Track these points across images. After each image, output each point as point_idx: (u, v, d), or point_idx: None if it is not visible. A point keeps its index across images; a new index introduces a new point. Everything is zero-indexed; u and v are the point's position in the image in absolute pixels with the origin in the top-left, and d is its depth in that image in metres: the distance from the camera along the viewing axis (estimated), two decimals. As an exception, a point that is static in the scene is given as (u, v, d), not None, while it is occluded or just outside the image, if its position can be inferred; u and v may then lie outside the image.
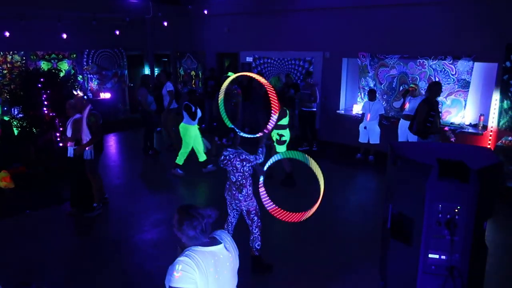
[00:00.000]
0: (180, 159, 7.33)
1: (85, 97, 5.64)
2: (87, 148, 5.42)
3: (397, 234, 2.83)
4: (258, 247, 4.29)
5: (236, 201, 4.20)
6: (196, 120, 7.33)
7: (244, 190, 4.15)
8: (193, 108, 7.21)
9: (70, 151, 5.55)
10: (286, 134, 6.66)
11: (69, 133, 5.52)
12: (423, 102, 5.96)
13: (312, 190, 4.89)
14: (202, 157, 7.47)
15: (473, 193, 2.41)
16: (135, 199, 6.41)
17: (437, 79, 7.71)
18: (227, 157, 4.13)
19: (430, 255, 2.56)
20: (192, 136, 7.30)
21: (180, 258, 1.95)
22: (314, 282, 4.22)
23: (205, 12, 11.00)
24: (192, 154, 7.44)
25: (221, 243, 2.11)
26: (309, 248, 4.87)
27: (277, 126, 6.49)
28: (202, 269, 1.94)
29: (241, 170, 4.10)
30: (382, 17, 8.32)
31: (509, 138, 6.70)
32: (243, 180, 4.13)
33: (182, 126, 7.33)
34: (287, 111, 6.65)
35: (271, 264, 4.40)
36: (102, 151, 5.89)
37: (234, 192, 4.18)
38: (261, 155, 4.23)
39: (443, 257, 2.53)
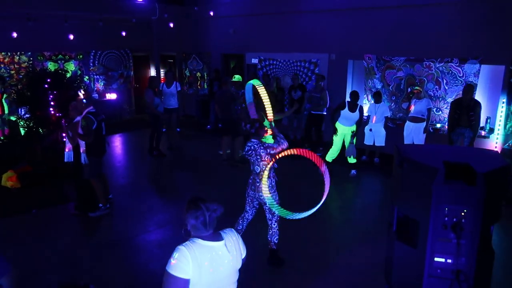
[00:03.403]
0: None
1: (85, 100, 5.64)
2: (81, 152, 5.45)
3: (403, 236, 2.82)
4: (276, 241, 4.42)
5: (261, 193, 4.20)
6: None
7: (268, 181, 4.20)
8: None
9: (68, 156, 5.57)
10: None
11: (67, 138, 5.55)
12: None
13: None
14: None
15: (480, 197, 2.39)
16: (140, 199, 6.43)
17: (444, 81, 7.67)
18: (252, 147, 4.17)
19: (436, 259, 2.54)
20: None
21: (179, 247, 2.05)
22: (318, 282, 4.20)
23: (211, 13, 11.04)
24: (198, 154, 7.44)
25: (222, 240, 2.16)
26: (314, 249, 4.85)
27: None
28: (196, 262, 2.01)
29: (265, 159, 4.16)
30: (387, 19, 8.30)
31: (516, 141, 6.64)
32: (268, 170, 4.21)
33: None
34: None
35: (284, 259, 4.49)
36: (104, 154, 5.82)
37: (258, 184, 4.21)
38: (282, 141, 4.28)
39: (449, 260, 2.51)
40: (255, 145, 4.18)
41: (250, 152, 4.19)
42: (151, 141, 8.70)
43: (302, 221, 5.40)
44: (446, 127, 7.36)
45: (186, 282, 1.99)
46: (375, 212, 5.95)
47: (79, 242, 5.16)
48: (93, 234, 5.40)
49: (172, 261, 2.01)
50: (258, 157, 4.20)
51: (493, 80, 7.42)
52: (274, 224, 4.38)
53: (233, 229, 2.29)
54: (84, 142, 5.44)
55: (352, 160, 7.42)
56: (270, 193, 4.19)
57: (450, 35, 7.52)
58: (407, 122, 7.56)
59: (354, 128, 7.23)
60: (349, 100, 7.28)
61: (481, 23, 7.14)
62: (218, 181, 7.27)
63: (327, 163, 7.66)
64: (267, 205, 4.22)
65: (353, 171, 7.53)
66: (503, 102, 7.07)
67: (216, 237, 2.16)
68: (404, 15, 8.06)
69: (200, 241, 2.09)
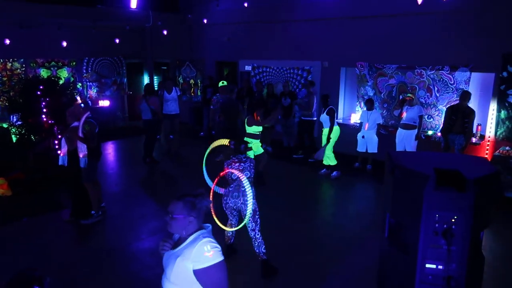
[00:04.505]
0: None
1: (82, 104, 5.65)
2: (81, 156, 5.42)
3: (395, 243, 2.84)
4: (264, 251, 4.36)
5: (245, 198, 4.24)
6: None
7: (253, 187, 4.27)
8: None
9: (62, 160, 5.55)
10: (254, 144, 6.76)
11: (63, 142, 5.52)
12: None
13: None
14: None
15: (469, 203, 2.42)
16: (133, 207, 6.39)
17: (436, 89, 7.76)
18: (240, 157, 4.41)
19: (427, 265, 2.56)
20: None
21: (202, 241, 2.08)
22: (312, 292, 4.20)
23: (205, 21, 11.09)
24: (192, 161, 7.42)
25: (209, 226, 2.29)
26: (308, 256, 4.85)
27: (247, 134, 6.80)
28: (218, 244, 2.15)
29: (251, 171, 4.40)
30: (379, 27, 8.40)
31: (507, 148, 6.72)
32: (252, 178, 4.36)
33: None
34: (254, 121, 6.80)
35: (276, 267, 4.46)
36: (100, 159, 5.88)
37: (243, 189, 4.24)
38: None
39: (440, 266, 2.53)
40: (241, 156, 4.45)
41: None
42: (145, 148, 8.68)
43: (295, 228, 5.42)
44: (439, 133, 7.45)
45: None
46: (368, 219, 5.97)
47: (71, 250, 5.11)
48: (85, 242, 5.36)
49: (208, 254, 2.05)
50: (251, 164, 4.39)
51: (484, 87, 7.53)
52: (258, 234, 4.32)
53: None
54: (86, 146, 5.41)
55: (333, 161, 7.63)
56: (253, 199, 4.26)
57: (441, 43, 7.63)
58: (399, 129, 7.63)
59: (327, 130, 7.59)
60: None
61: (471, 31, 7.25)
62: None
63: (324, 166, 7.77)
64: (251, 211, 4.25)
65: (334, 173, 7.70)
66: (493, 109, 7.16)
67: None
68: (395, 24, 8.17)
69: (202, 230, 2.20)
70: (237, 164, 4.35)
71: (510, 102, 6.94)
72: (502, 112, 7.03)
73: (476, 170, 2.58)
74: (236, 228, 4.28)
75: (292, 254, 4.91)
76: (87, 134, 5.39)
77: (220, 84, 8.76)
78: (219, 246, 2.13)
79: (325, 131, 7.66)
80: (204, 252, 2.05)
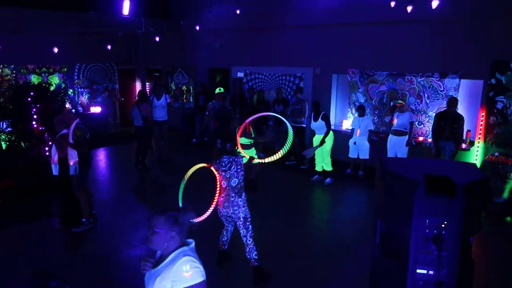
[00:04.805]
0: None
1: (73, 110, 5.61)
2: (72, 164, 5.38)
3: (386, 249, 2.85)
4: (256, 257, 4.34)
5: (235, 208, 4.23)
6: None
7: (243, 195, 4.29)
8: None
9: (55, 169, 5.50)
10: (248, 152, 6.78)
11: (53, 150, 5.47)
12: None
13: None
14: None
15: (459, 208, 2.45)
16: (124, 214, 6.34)
17: (426, 95, 7.86)
18: (225, 162, 4.32)
19: (418, 270, 2.57)
20: None
21: (181, 260, 2.01)
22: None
23: (197, 27, 11.12)
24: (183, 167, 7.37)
25: (192, 242, 2.21)
26: (301, 261, 4.85)
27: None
28: (200, 262, 2.08)
29: (239, 175, 4.31)
30: (371, 34, 8.50)
31: (496, 153, 6.81)
32: (243, 183, 4.32)
33: None
34: (251, 131, 6.80)
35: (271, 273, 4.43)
36: (91, 166, 5.83)
37: (233, 199, 4.23)
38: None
39: (430, 272, 2.54)
40: (231, 159, 4.35)
41: (230, 165, 4.31)
42: (137, 154, 8.65)
43: (289, 233, 5.43)
44: (430, 140, 7.53)
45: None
46: (360, 224, 5.99)
47: (62, 257, 5.05)
48: (77, 249, 5.31)
49: (187, 274, 1.99)
50: (239, 167, 4.29)
51: (473, 94, 7.64)
52: (249, 240, 4.30)
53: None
54: (77, 152, 5.37)
55: (329, 167, 7.73)
56: (245, 207, 4.28)
57: (431, 51, 7.75)
58: (390, 135, 7.69)
59: (321, 137, 7.61)
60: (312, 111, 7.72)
61: (460, 39, 7.38)
62: (205, 194, 7.22)
63: (317, 172, 7.79)
64: (241, 218, 4.23)
65: (328, 180, 7.75)
66: (483, 115, 7.27)
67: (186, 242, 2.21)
68: (386, 31, 8.28)
69: (185, 247, 2.12)
70: (223, 173, 4.31)
71: (498, 108, 7.06)
72: (491, 118, 7.14)
73: (465, 176, 2.61)
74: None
75: (286, 258, 4.92)
76: (78, 140, 5.34)
77: (217, 91, 8.74)
78: (200, 266, 2.05)
79: (317, 138, 7.69)
80: (182, 272, 1.98)
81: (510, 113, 6.95)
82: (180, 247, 2.11)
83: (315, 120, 7.64)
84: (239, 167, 4.30)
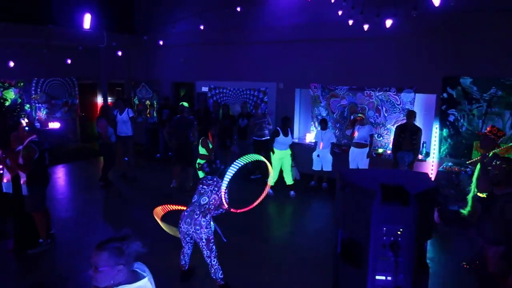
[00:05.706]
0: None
1: (27, 128, 5.39)
2: (21, 183, 5.17)
3: (347, 258, 2.94)
4: (222, 276, 4.30)
5: (197, 227, 4.15)
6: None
7: (208, 216, 4.22)
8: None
9: (6, 187, 5.27)
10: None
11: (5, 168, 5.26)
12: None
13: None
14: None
15: (413, 215, 2.58)
16: (84, 233, 6.12)
17: (384, 109, 8.19)
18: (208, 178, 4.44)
19: (377, 277, 2.67)
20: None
21: None
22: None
23: (161, 42, 11.09)
24: (147, 184, 7.24)
25: (145, 276, 2.04)
26: (264, 275, 4.86)
27: (200, 156, 6.94)
28: None
29: (211, 197, 4.34)
30: (331, 50, 8.81)
31: (449, 164, 7.18)
32: (211, 206, 4.28)
33: None
34: (207, 142, 6.90)
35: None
36: (47, 185, 5.58)
37: (196, 217, 4.16)
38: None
39: (389, 278, 2.65)
40: (209, 181, 4.46)
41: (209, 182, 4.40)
42: (103, 171, 8.41)
43: (252, 247, 5.44)
44: (389, 151, 7.83)
45: None
46: (325, 235, 6.09)
47: (16, 282, 4.79)
48: (33, 273, 5.04)
49: None
50: (216, 189, 4.35)
51: (427, 107, 8.05)
52: (214, 261, 4.25)
53: (139, 262, 2.13)
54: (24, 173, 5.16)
55: (290, 181, 7.87)
56: (207, 228, 4.22)
57: (387, 66, 8.12)
58: (352, 148, 7.94)
59: (289, 151, 7.78)
60: (281, 126, 7.78)
61: (414, 56, 7.79)
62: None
63: (271, 187, 7.84)
64: (203, 239, 4.17)
65: (292, 192, 7.89)
66: (436, 128, 7.66)
67: (137, 275, 2.02)
68: (346, 48, 8.61)
69: (128, 286, 1.95)
70: (200, 186, 4.32)
71: (450, 121, 7.46)
72: (444, 130, 7.54)
73: (418, 185, 2.75)
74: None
75: (251, 272, 4.91)
76: (24, 158, 5.13)
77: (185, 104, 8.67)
78: None
79: (283, 152, 7.74)
80: None
81: (461, 125, 7.37)
82: (126, 284, 1.94)
83: (286, 135, 7.70)
84: (216, 189, 4.38)
